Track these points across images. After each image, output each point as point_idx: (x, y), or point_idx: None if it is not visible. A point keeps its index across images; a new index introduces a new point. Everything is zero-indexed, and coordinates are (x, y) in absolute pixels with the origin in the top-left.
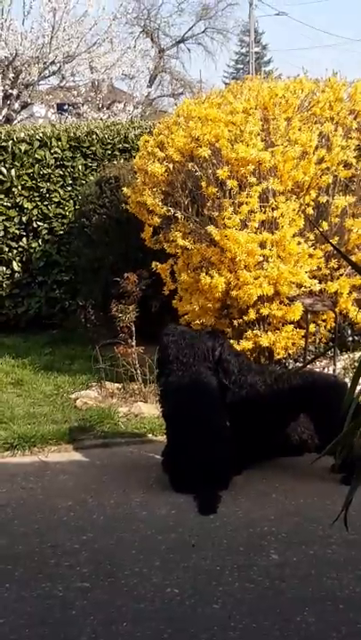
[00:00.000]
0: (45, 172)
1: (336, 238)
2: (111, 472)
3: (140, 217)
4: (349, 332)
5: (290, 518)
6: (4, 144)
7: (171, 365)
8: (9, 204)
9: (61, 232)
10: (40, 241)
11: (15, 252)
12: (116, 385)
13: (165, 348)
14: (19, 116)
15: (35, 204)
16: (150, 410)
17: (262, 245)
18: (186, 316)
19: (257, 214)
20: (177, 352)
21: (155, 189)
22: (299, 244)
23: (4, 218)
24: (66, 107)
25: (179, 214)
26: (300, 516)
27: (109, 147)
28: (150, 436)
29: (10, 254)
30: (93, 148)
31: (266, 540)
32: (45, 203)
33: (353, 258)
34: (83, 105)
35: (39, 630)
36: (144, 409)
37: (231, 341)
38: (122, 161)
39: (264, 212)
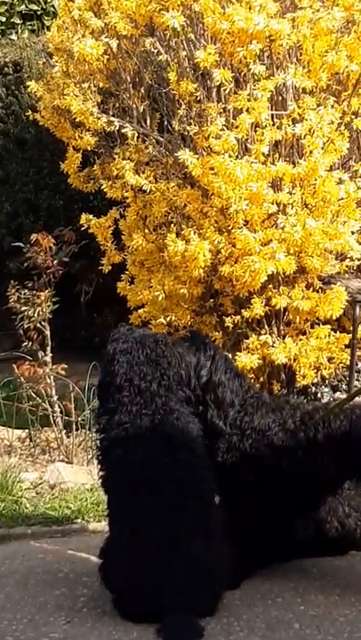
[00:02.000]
0: None
1: None
2: (10, 588)
3: (60, 134)
4: None
5: None
6: None
7: (119, 396)
8: None
9: None
10: None
11: None
12: (18, 433)
13: (111, 366)
14: None
15: None
16: (78, 476)
17: (276, 186)
18: (142, 310)
19: (267, 131)
20: (131, 372)
21: (86, 86)
22: (340, 183)
23: None
24: None
25: (128, 129)
26: None
27: (3, 10)
28: (78, 522)
29: None
30: None
31: None
32: None
33: None
34: None
35: None
36: (67, 475)
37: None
38: (25, 35)
39: (279, 128)
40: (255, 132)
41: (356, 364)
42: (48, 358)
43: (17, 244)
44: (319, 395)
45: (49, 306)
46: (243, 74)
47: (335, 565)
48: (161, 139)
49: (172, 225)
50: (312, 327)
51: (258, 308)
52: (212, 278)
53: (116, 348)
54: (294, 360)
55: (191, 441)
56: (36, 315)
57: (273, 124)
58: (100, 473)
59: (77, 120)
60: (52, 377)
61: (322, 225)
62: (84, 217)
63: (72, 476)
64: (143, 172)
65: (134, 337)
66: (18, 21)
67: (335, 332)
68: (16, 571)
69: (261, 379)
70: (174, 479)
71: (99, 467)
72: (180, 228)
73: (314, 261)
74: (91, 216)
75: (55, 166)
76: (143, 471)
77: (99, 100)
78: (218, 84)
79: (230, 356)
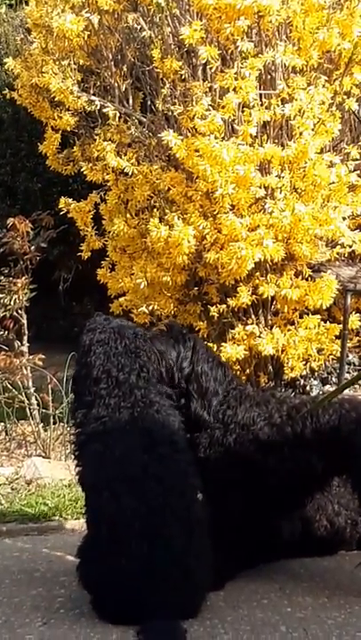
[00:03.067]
0: None
1: None
2: None
3: (39, 114)
4: None
5: None
6: None
7: (96, 388)
8: None
9: None
10: None
11: None
12: None
13: (87, 357)
14: None
15: None
16: (55, 471)
17: (264, 169)
18: (123, 299)
19: (255, 111)
20: (108, 364)
21: (66, 63)
22: (331, 166)
23: None
24: None
25: (110, 109)
26: None
27: None
28: (56, 519)
29: None
30: None
31: None
32: None
33: None
34: None
35: None
36: (44, 470)
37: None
38: (3, 10)
39: (267, 108)
40: (242, 112)
41: (347, 356)
42: (25, 348)
43: None
44: (308, 388)
45: (26, 293)
46: (230, 51)
47: (324, 566)
48: (144, 119)
49: (155, 209)
50: (301, 317)
51: (244, 296)
52: (196, 265)
53: (93, 339)
54: (282, 351)
55: (172, 435)
56: (12, 303)
57: (261, 105)
58: (77, 469)
59: (56, 99)
60: (28, 368)
61: (312, 210)
62: (62, 201)
63: (49, 472)
64: (125, 154)
65: (112, 327)
66: None
67: (325, 323)
68: None
69: (248, 371)
70: (154, 475)
71: (75, 462)
72: (163, 212)
73: (303, 248)
74: (70, 200)
75: (33, 148)
76: (122, 467)
77: (79, 79)
78: (204, 61)
79: (215, 346)
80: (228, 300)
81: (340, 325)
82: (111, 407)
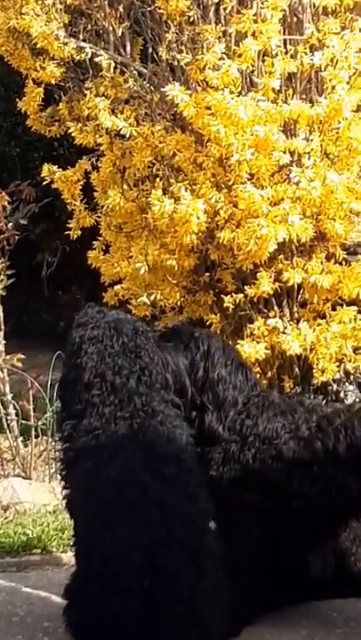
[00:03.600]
0: None
1: None
2: None
3: (17, 64)
4: None
5: None
6: None
7: (87, 395)
8: None
9: None
10: None
11: None
12: None
13: (76, 358)
14: None
15: None
16: (38, 495)
17: (289, 130)
18: (119, 287)
19: (278, 60)
20: (102, 366)
21: (50, 2)
22: None
23: None
24: None
25: (103, 58)
26: None
27: None
28: (38, 552)
29: None
30: None
31: None
32: None
33: None
34: None
35: None
36: (23, 493)
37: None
38: None
39: (293, 57)
40: (263, 62)
41: None
42: (0, 346)
43: None
44: (342, 394)
45: (2, 280)
46: None
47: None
48: (144, 70)
49: (158, 179)
50: (333, 309)
51: (265, 284)
52: (207, 247)
53: (84, 336)
54: (311, 350)
55: (179, 451)
56: None
57: (286, 53)
58: (65, 491)
59: (39, 46)
60: (5, 370)
61: (346, 180)
62: (46, 168)
63: (30, 495)
64: (122, 112)
65: (107, 321)
66: None
67: None
68: None
69: (269, 373)
70: (157, 500)
71: (62, 484)
72: (167, 182)
73: (336, 226)
74: (55, 167)
75: (10, 104)
76: (118, 490)
77: (66, 21)
78: (216, 1)
79: (230, 344)
80: (246, 288)
81: None
82: (105, 417)
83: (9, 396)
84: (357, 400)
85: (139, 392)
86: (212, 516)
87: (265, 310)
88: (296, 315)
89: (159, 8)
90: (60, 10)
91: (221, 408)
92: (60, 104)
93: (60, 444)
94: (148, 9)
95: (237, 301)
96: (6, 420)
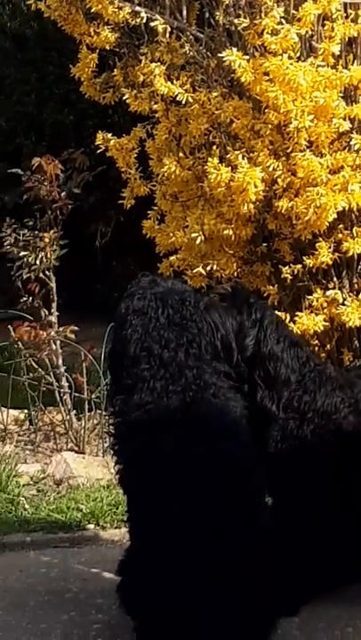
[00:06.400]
0: None
1: None
2: (3, 611)
3: (71, 29)
4: None
5: None
6: None
7: (136, 369)
8: None
9: None
10: None
11: None
12: (15, 413)
13: (122, 330)
14: None
15: None
16: (91, 469)
17: (350, 97)
18: (175, 257)
19: (338, 25)
20: (148, 339)
21: None
22: None
23: None
24: None
25: (158, 23)
26: None
27: None
28: (91, 528)
29: None
30: None
31: None
32: None
33: None
34: None
35: None
36: (77, 467)
37: (279, 314)
38: None
39: (354, 21)
40: (323, 26)
41: None
42: (53, 318)
43: (14, 170)
44: None
45: (55, 250)
46: None
47: None
48: (201, 35)
49: (215, 147)
50: None
51: (324, 254)
52: (265, 216)
53: (129, 307)
54: None
55: (234, 424)
56: (38, 262)
57: (346, 17)
58: (117, 467)
59: (93, 10)
60: (58, 342)
61: None
62: (100, 136)
63: (83, 470)
64: (178, 79)
65: (154, 292)
66: None
67: None
68: (11, 589)
69: (328, 346)
70: (212, 475)
71: (115, 459)
72: (224, 150)
73: None
74: (109, 135)
75: (64, 71)
76: (172, 465)
77: None
78: None
79: (289, 316)
80: (305, 258)
81: None
82: (157, 392)
83: (62, 369)
84: None
85: (189, 365)
86: (268, 492)
87: (324, 281)
88: (356, 286)
89: None
90: None
91: (273, 387)
92: (115, 70)
93: (112, 419)
94: None
95: (296, 272)
96: (59, 393)
